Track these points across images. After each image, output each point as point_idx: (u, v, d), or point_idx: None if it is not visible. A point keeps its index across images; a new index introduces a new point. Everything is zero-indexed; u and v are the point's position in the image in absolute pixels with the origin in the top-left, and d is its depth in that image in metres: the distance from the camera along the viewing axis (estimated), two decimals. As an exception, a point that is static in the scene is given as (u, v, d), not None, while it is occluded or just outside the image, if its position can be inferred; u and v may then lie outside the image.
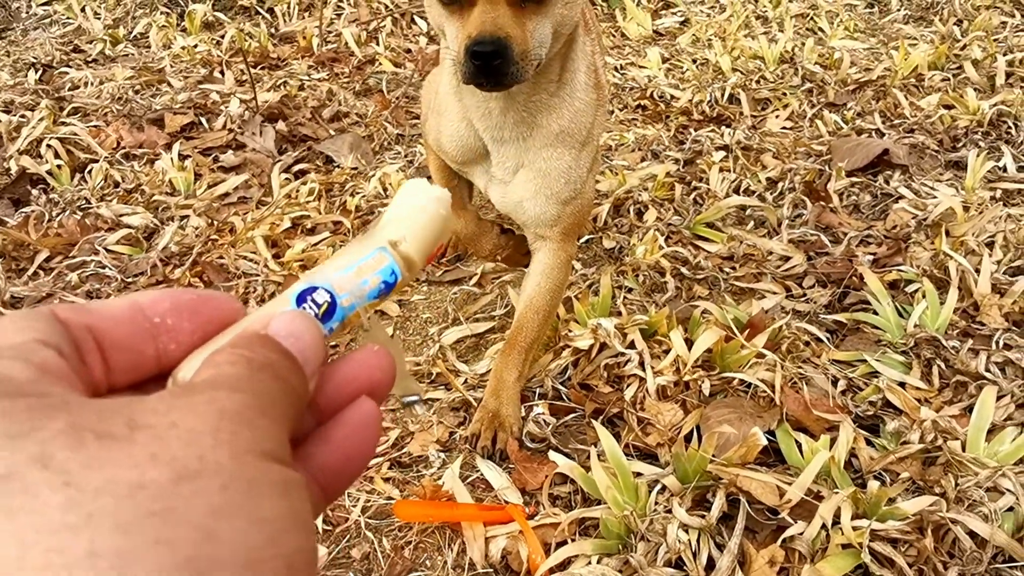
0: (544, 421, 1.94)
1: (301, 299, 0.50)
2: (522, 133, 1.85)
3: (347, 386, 0.49)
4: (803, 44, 4.12)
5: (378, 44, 4.33)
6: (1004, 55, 3.96)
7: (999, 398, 2.04)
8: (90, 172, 3.18)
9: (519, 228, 2.11)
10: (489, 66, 1.55)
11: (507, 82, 1.60)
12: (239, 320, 0.48)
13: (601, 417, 1.93)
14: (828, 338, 2.26)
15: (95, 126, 3.53)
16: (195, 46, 4.37)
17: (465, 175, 2.04)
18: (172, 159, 3.17)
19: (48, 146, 3.30)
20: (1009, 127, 3.36)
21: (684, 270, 2.51)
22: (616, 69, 4.01)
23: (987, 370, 2.13)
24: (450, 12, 1.65)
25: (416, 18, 4.66)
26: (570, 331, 2.12)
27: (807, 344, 2.19)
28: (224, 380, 0.40)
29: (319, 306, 0.50)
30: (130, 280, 2.62)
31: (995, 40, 4.20)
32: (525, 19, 1.60)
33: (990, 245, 2.61)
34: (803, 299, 2.44)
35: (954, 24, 4.46)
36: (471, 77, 1.60)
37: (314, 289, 0.51)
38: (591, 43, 1.96)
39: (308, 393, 0.45)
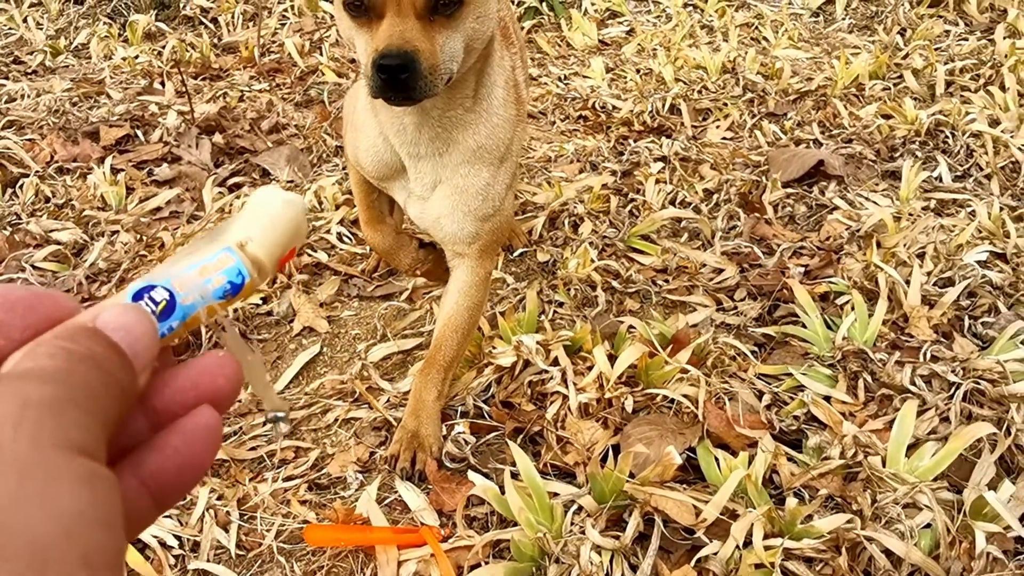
0: (464, 440, 1.92)
1: (138, 296, 0.49)
2: (438, 149, 1.83)
3: (187, 392, 0.48)
4: (745, 54, 4.14)
5: (322, 54, 4.30)
6: (945, 64, 4.00)
7: (923, 412, 2.04)
8: (21, 187, 3.12)
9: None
10: (396, 80, 1.53)
11: (416, 96, 1.58)
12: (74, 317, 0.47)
13: (521, 436, 1.91)
14: (755, 352, 2.25)
15: (30, 139, 3.47)
16: (136, 57, 4.32)
17: (385, 190, 2.02)
18: (104, 173, 3.12)
19: (-21, 160, 3.24)
20: (946, 136, 3.38)
21: (615, 284, 2.50)
22: (560, 79, 4.01)
23: (912, 383, 2.14)
24: (359, 25, 1.62)
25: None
26: (493, 348, 2.10)
27: (733, 359, 2.19)
28: (38, 371, 0.39)
29: (156, 303, 0.49)
30: (55, 298, 2.56)
31: (937, 49, 4.24)
32: (435, 32, 1.58)
33: (921, 256, 2.63)
34: (733, 312, 2.43)
35: (898, 33, 4.50)
36: (379, 91, 1.58)
37: (152, 287, 0.49)
38: (511, 57, 1.94)
39: (136, 388, 0.44)
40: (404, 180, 1.93)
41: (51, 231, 2.88)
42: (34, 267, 2.70)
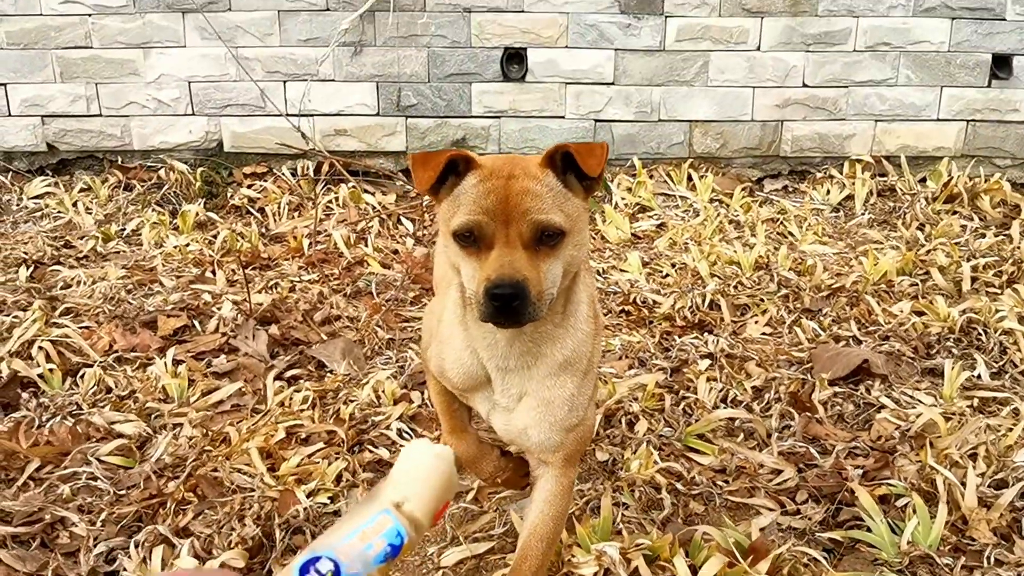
0: (551, 653, 1.92)
1: (305, 569, 0.52)
2: (527, 362, 1.90)
3: None
4: (776, 249, 4.31)
5: (366, 245, 4.47)
6: (967, 260, 4.17)
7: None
8: (82, 376, 3.19)
9: (518, 450, 2.14)
10: (508, 307, 1.63)
11: (523, 321, 1.67)
12: None
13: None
14: (826, 558, 2.27)
15: (87, 327, 3.57)
16: (187, 245, 4.48)
17: (466, 400, 2.09)
18: (166, 364, 3.20)
19: (40, 348, 3.33)
20: (979, 334, 3.49)
21: (679, 485, 2.54)
22: (599, 273, 4.16)
23: (983, 592, 2.15)
24: (467, 253, 1.73)
25: (403, 219, 4.83)
26: (573, 556, 2.12)
27: (806, 565, 2.21)
28: None
29: (323, 575, 0.52)
30: (122, 493, 2.60)
31: (957, 245, 4.42)
32: (539, 261, 1.69)
33: (973, 457, 2.68)
34: (798, 515, 2.47)
35: (917, 229, 4.70)
36: (490, 317, 1.66)
37: (318, 559, 0.52)
38: (590, 275, 2.06)
39: None
40: (488, 391, 1.99)
41: (114, 423, 2.93)
42: (100, 461, 2.74)
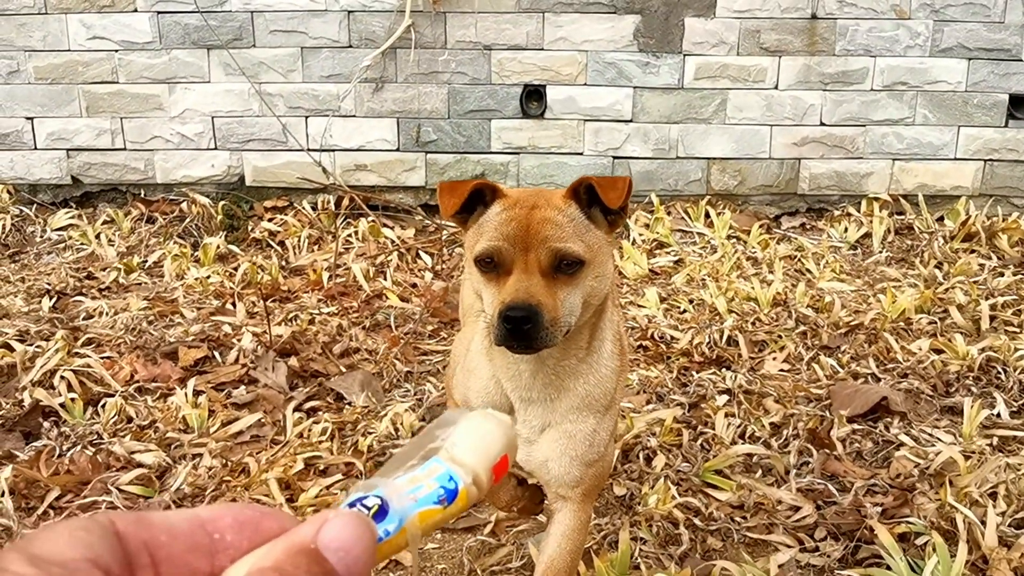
0: None
1: (351, 506, 0.53)
2: (550, 395, 1.92)
3: None
4: (794, 286, 4.31)
5: (386, 279, 4.50)
6: (986, 299, 4.16)
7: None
8: (103, 406, 3.22)
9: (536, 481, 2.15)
10: (520, 330, 1.65)
11: (536, 346, 1.69)
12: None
13: None
14: (845, 596, 2.26)
15: (108, 357, 3.60)
16: (208, 277, 4.52)
17: (488, 431, 2.10)
18: (186, 395, 3.22)
19: (62, 377, 3.36)
20: (999, 372, 3.48)
21: (697, 521, 2.54)
22: (616, 308, 4.17)
23: (1006, 633, 2.13)
24: (488, 279, 1.76)
25: (421, 253, 4.87)
26: (591, 590, 2.12)
27: (825, 603, 2.20)
28: None
29: (369, 509, 0.52)
30: (141, 522, 2.61)
31: (975, 283, 4.41)
32: (557, 288, 1.72)
33: (993, 496, 2.66)
34: (816, 552, 2.45)
35: (935, 267, 4.69)
36: (502, 339, 1.69)
37: (365, 497, 0.53)
38: (618, 312, 2.07)
39: None
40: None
41: (134, 452, 2.95)
42: (120, 490, 2.76)
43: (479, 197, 1.78)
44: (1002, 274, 4.60)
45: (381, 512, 0.52)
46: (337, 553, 0.46)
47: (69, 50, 5.28)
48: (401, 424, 3.06)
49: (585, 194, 1.76)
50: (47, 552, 0.40)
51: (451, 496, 0.56)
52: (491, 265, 1.74)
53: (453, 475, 0.57)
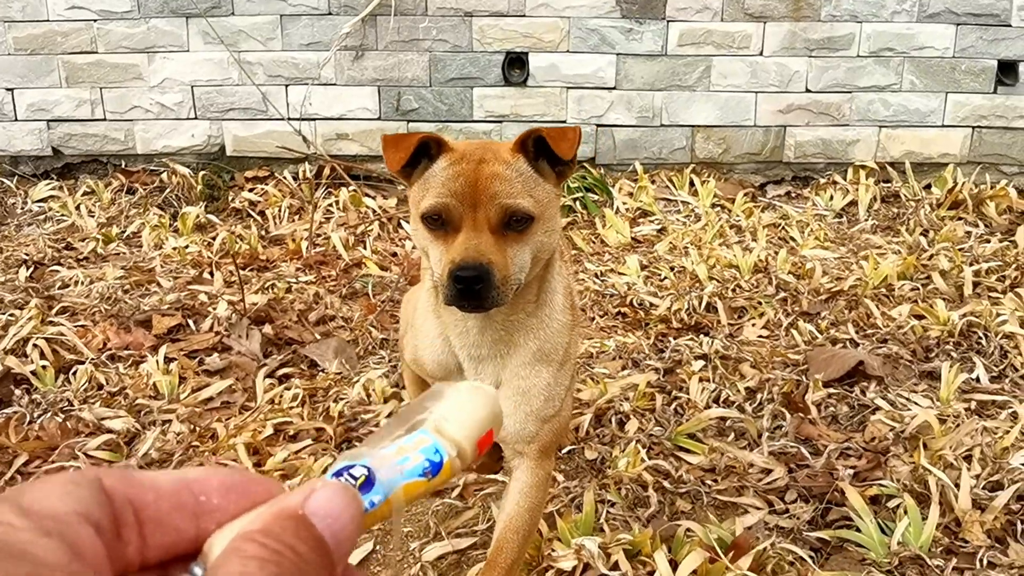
0: (526, 648, 1.89)
1: (337, 476, 0.52)
2: (500, 351, 1.89)
3: None
4: (776, 254, 4.28)
5: (365, 248, 4.46)
6: (970, 265, 4.12)
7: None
8: (74, 373, 3.19)
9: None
10: (471, 290, 1.62)
11: (487, 305, 1.66)
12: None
13: (585, 644, 1.88)
14: (813, 557, 2.24)
15: (82, 326, 3.57)
16: (186, 247, 4.48)
17: (443, 390, 2.07)
18: (157, 362, 3.19)
19: (35, 345, 3.33)
20: (979, 338, 3.45)
21: (666, 484, 2.51)
22: (596, 276, 4.13)
23: (973, 593, 2.11)
24: (435, 236, 1.73)
25: (403, 223, 4.83)
26: (553, 551, 2.10)
27: (791, 564, 2.17)
28: None
29: (355, 479, 0.51)
30: (107, 488, 2.58)
31: (960, 250, 4.38)
32: (506, 246, 1.68)
33: (968, 459, 2.64)
34: (786, 514, 2.43)
35: (920, 235, 4.65)
36: (453, 299, 1.66)
37: (351, 466, 0.52)
38: (566, 267, 2.04)
39: None
40: (461, 380, 1.98)
41: (104, 419, 2.93)
42: (87, 455, 2.74)
43: (424, 150, 1.74)
44: (988, 241, 4.57)
45: (368, 483, 0.52)
46: (325, 520, 0.46)
47: (48, 20, 5.21)
48: (373, 390, 3.03)
49: (533, 146, 1.72)
50: (38, 504, 0.41)
51: (436, 469, 0.56)
52: (438, 222, 1.71)
53: (439, 447, 0.57)
